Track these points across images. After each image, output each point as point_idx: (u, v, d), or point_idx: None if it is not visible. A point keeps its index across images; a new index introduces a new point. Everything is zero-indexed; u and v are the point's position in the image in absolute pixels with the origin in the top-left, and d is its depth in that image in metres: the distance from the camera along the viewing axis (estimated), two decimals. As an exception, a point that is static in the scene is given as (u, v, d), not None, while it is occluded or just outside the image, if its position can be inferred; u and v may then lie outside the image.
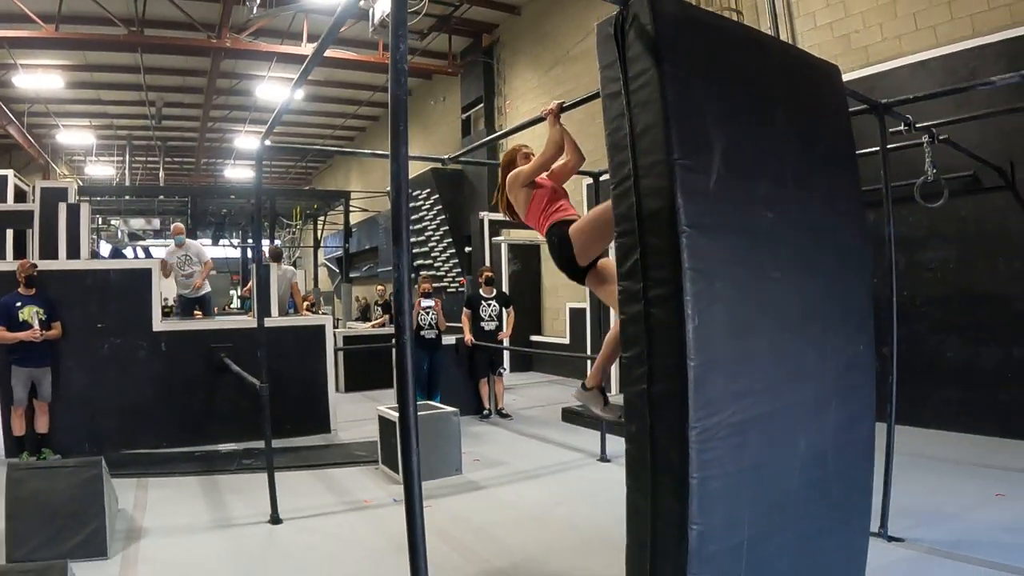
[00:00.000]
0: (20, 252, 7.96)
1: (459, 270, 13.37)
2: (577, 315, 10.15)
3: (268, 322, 4.62)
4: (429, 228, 14.13)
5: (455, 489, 4.76)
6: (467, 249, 12.75)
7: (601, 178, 4.94)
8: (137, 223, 18.12)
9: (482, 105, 13.76)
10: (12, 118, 15.14)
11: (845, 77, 2.81)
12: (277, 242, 16.71)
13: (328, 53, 2.82)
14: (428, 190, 13.84)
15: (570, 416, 7.03)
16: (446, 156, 5.00)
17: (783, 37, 7.16)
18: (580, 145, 2.96)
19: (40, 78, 13.23)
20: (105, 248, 17.10)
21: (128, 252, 17.67)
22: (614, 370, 6.60)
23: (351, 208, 15.52)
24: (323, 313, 10.84)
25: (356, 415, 7.30)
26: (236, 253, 16.50)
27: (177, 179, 22.86)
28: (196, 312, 7.85)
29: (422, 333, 7.05)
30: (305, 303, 9.57)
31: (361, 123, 19.59)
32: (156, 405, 6.05)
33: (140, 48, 12.13)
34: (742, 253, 2.12)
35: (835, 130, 2.74)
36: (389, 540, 3.68)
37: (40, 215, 7.57)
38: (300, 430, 6.43)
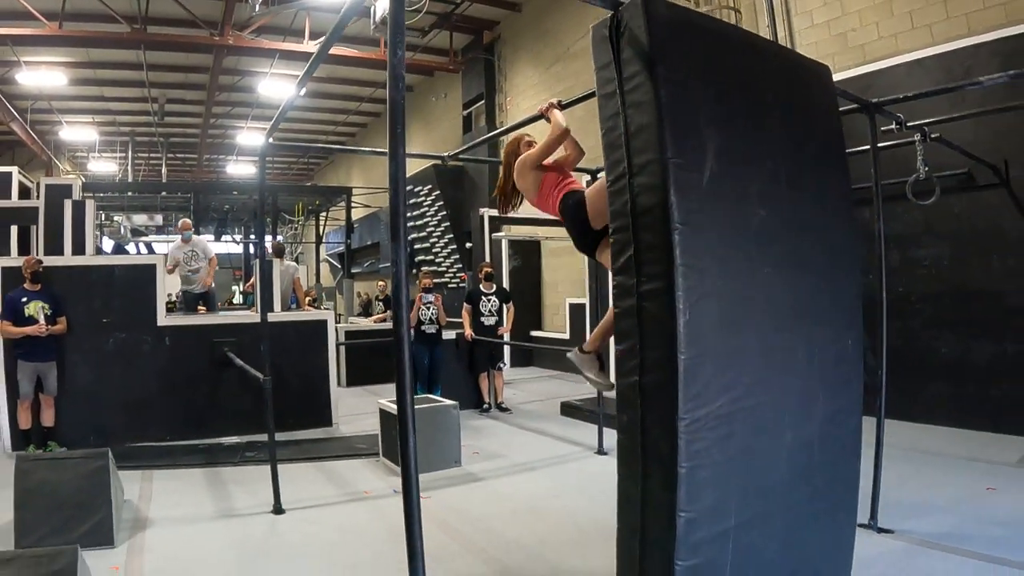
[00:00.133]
0: (24, 248, 8.03)
1: (460, 266, 13.43)
2: (577, 310, 10.22)
3: (271, 317, 4.68)
4: (431, 224, 14.19)
5: (454, 481, 4.84)
6: (468, 245, 12.82)
7: (599, 175, 5.00)
8: (140, 219, 18.18)
9: (483, 102, 13.81)
10: (16, 115, 15.21)
11: (842, 75, 2.87)
12: (279, 238, 16.75)
13: (330, 50, 2.87)
14: (429, 186, 13.90)
15: (569, 410, 7.10)
16: (445, 154, 5.06)
17: (781, 35, 7.21)
18: (581, 141, 3.01)
19: (43, 75, 13.29)
20: (108, 244, 17.16)
21: (131, 248, 17.75)
22: (612, 369, 6.64)
23: (353, 204, 15.61)
24: (325, 308, 10.91)
25: (357, 409, 7.39)
26: (238, 248, 16.60)
27: (179, 175, 22.95)
28: (200, 307, 7.94)
29: (423, 328, 7.12)
30: (307, 298, 9.65)
31: (363, 119, 19.64)
32: (160, 399, 6.13)
33: (143, 45, 12.18)
34: (734, 250, 2.17)
35: (826, 129, 2.78)
36: (389, 530, 3.75)
37: (45, 212, 7.63)
38: (302, 423, 6.51)
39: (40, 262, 5.65)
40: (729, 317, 2.12)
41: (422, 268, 10.61)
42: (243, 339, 6.29)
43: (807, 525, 2.45)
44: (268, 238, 12.69)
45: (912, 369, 5.84)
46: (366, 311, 14.93)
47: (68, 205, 7.53)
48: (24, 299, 5.46)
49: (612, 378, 2.39)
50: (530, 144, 3.04)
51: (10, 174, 8.85)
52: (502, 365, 7.90)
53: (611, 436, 5.22)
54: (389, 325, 9.56)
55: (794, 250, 2.42)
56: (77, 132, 17.64)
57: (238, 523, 4.01)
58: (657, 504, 2.01)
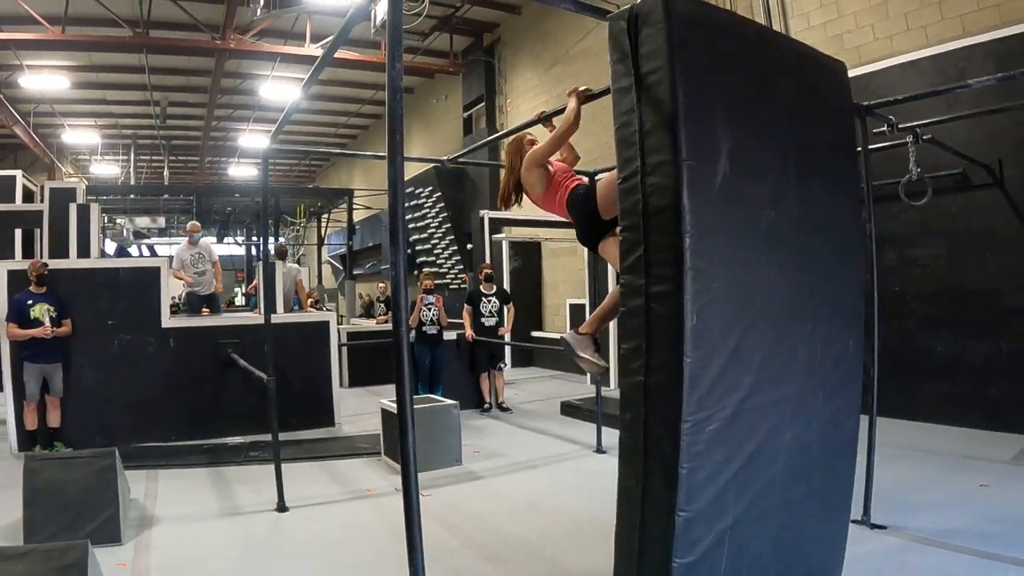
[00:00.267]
0: (28, 251, 8.10)
1: (461, 267, 13.49)
2: (577, 311, 10.25)
3: (274, 318, 4.74)
4: (432, 225, 14.26)
5: (455, 479, 4.89)
6: (468, 246, 12.88)
7: (597, 177, 5.04)
8: (142, 221, 18.23)
9: (483, 104, 13.88)
10: (18, 118, 15.28)
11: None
12: (282, 240, 16.81)
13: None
14: (431, 187, 13.97)
15: (568, 410, 7.15)
16: (445, 158, 5.11)
17: (778, 37, 7.25)
18: (579, 142, 3.09)
19: (46, 79, 13.36)
20: (110, 246, 17.24)
21: (133, 250, 17.83)
22: (612, 368, 6.70)
23: (354, 206, 15.67)
24: (327, 310, 10.98)
25: (359, 409, 7.45)
26: (240, 250, 16.65)
27: (181, 178, 23.00)
28: (204, 309, 8.00)
29: (424, 329, 7.18)
30: (309, 300, 9.71)
31: (364, 121, 19.69)
32: (165, 400, 6.19)
33: (145, 49, 12.24)
34: (742, 253, 2.17)
35: (838, 128, 2.75)
36: (391, 527, 3.79)
37: (49, 215, 7.70)
38: (305, 423, 6.56)
39: (46, 265, 5.70)
40: (734, 319, 2.12)
41: (423, 269, 10.68)
42: (247, 341, 6.34)
43: (802, 523, 2.48)
44: (271, 240, 12.73)
45: (908, 368, 5.89)
46: (368, 312, 14.98)
47: (73, 208, 7.60)
48: (30, 301, 5.51)
49: (607, 363, 2.39)
50: (532, 143, 3.09)
51: (14, 178, 8.93)
52: (503, 365, 7.95)
53: (609, 435, 5.33)
54: (391, 327, 9.65)
55: (801, 251, 2.41)
56: (79, 135, 17.71)
57: (242, 521, 4.07)
58: (657, 502, 2.04)
